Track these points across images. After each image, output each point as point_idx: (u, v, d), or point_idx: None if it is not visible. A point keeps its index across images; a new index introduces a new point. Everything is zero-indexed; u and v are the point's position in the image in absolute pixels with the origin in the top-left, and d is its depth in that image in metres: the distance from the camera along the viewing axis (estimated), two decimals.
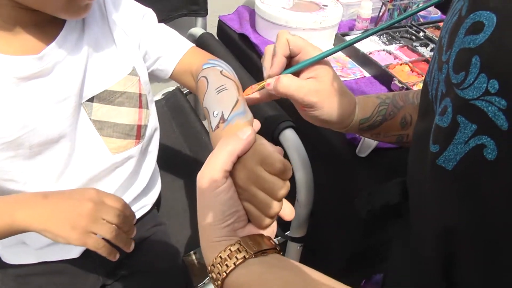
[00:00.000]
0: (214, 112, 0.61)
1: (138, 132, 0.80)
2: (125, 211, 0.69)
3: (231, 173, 0.48)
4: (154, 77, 0.86)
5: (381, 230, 0.91)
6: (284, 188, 0.46)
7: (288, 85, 0.59)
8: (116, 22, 0.75)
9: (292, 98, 0.61)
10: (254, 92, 0.64)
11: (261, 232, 0.49)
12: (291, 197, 0.89)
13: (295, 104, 0.67)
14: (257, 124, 0.62)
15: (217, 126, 0.59)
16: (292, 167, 0.85)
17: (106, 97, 0.74)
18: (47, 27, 0.67)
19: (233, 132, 0.55)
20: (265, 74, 0.63)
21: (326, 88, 0.62)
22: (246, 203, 0.48)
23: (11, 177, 0.70)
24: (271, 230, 0.50)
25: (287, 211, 0.51)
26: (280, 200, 0.47)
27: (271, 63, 0.62)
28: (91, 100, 0.73)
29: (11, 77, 0.63)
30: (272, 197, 0.46)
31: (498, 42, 0.34)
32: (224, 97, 0.64)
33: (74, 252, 0.82)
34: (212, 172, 0.46)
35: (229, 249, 0.45)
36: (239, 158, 0.49)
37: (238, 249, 0.45)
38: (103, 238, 0.66)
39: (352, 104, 0.66)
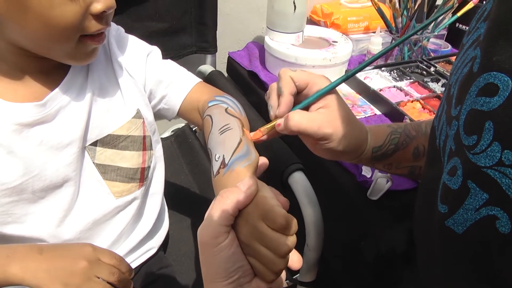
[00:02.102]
0: (216, 155, 0.60)
1: (142, 175, 0.79)
2: (121, 268, 0.68)
3: (234, 227, 0.47)
4: (160, 117, 0.86)
5: (391, 273, 0.88)
6: (288, 245, 0.44)
7: (300, 121, 0.57)
8: (121, 64, 0.76)
9: (305, 134, 0.59)
10: (264, 135, 0.62)
11: (269, 285, 0.47)
12: (301, 240, 0.87)
13: (305, 140, 0.65)
14: (264, 162, 0.61)
15: (218, 172, 0.57)
16: (302, 211, 0.83)
17: (109, 141, 0.74)
18: (52, 73, 0.68)
19: (233, 179, 0.53)
20: (271, 113, 0.61)
21: (338, 116, 0.60)
22: (251, 258, 0.46)
23: (15, 220, 0.69)
24: (280, 281, 0.48)
25: (295, 259, 0.49)
26: (284, 257, 0.45)
27: (277, 103, 0.60)
28: (94, 144, 0.73)
29: (14, 124, 0.64)
30: (276, 254, 0.44)
31: None
32: (226, 138, 0.62)
33: None
34: (212, 227, 0.45)
35: None
36: (240, 211, 0.47)
37: None
38: None
39: (364, 131, 0.65)
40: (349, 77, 0.63)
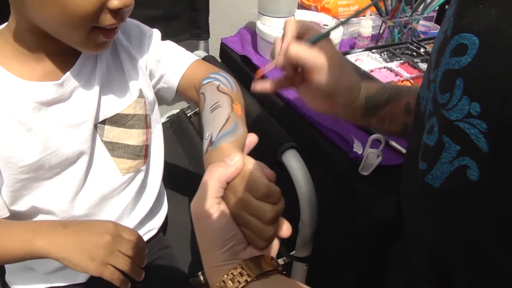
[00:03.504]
0: (206, 133, 0.64)
1: (146, 152, 0.83)
2: (139, 243, 0.72)
3: (225, 201, 0.50)
4: (161, 98, 0.88)
5: (386, 249, 0.91)
6: (272, 211, 0.48)
7: (298, 49, 0.62)
8: (124, 45, 0.78)
9: (301, 62, 0.63)
10: (266, 71, 0.68)
11: (262, 252, 0.50)
12: (296, 217, 0.89)
13: (303, 93, 0.70)
14: (253, 139, 0.64)
15: (206, 150, 0.61)
16: (296, 187, 0.86)
17: (117, 120, 0.77)
18: (67, 54, 0.70)
19: (218, 155, 0.57)
20: (276, 55, 0.66)
21: (332, 56, 0.64)
22: (243, 227, 0.49)
23: (29, 193, 0.72)
24: (273, 249, 0.52)
25: (284, 228, 0.52)
26: (271, 224, 0.48)
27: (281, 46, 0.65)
28: (103, 122, 0.76)
29: (33, 102, 0.67)
30: (262, 221, 0.48)
31: (480, 66, 0.36)
32: (216, 116, 0.66)
33: (81, 277, 0.83)
34: (203, 200, 0.48)
35: (232, 273, 0.46)
36: (229, 184, 0.50)
37: (240, 272, 0.46)
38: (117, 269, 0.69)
39: (356, 77, 0.70)
40: (340, 25, 0.72)
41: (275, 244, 0.52)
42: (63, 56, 0.69)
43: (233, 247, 0.48)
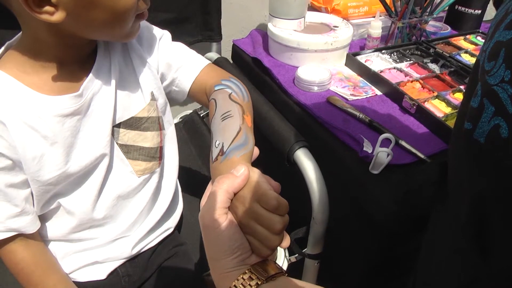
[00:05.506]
0: (216, 141, 0.65)
1: (160, 154, 0.84)
2: None
3: (232, 210, 0.53)
4: (172, 100, 0.90)
5: (400, 244, 0.92)
6: (280, 222, 0.51)
7: None
8: (135, 48, 0.79)
9: None
10: None
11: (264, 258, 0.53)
12: (307, 214, 0.92)
13: None
14: (256, 152, 0.67)
15: (216, 158, 0.63)
16: (307, 185, 0.88)
17: (132, 123, 0.79)
18: (84, 61, 0.72)
19: (229, 166, 0.58)
20: None
21: None
22: (248, 236, 0.52)
23: (56, 200, 0.75)
24: (274, 255, 0.56)
25: (284, 239, 0.55)
26: (278, 234, 0.51)
27: None
28: (117, 126, 0.77)
29: (57, 116, 0.68)
30: (270, 231, 0.51)
31: None
32: (227, 125, 0.68)
33: (102, 274, 0.85)
34: (212, 211, 0.51)
35: (242, 278, 0.49)
36: (236, 194, 0.53)
37: (250, 277, 0.49)
38: None
39: None
40: None
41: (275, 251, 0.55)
42: (80, 64, 0.71)
43: (241, 255, 0.51)
